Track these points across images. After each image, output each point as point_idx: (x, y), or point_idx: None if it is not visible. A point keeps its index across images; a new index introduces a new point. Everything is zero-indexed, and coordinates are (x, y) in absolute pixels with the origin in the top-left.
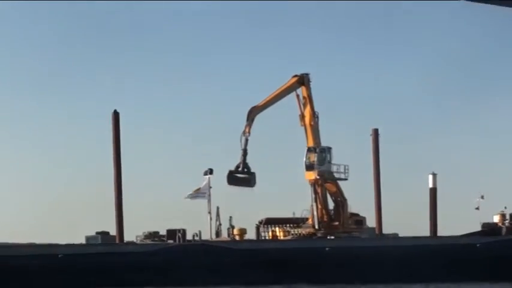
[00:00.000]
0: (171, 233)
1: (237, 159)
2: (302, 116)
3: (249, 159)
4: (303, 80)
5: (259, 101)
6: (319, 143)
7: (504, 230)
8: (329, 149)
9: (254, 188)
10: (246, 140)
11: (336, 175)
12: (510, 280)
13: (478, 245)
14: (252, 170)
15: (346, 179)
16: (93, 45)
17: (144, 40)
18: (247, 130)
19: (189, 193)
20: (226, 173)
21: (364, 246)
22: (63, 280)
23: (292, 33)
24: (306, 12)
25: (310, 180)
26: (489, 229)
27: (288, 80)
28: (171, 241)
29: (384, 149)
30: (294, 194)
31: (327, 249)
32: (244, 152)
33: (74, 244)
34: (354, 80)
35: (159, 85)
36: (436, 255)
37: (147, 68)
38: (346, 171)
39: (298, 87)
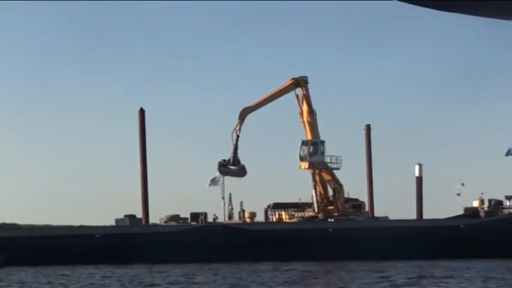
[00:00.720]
0: (195, 216)
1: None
2: (301, 113)
3: (267, 151)
4: (299, 82)
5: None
6: (318, 136)
7: (483, 213)
8: (322, 142)
9: (245, 177)
10: (237, 137)
11: (329, 165)
12: (491, 257)
13: (462, 226)
14: (242, 163)
15: (338, 169)
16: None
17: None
18: (238, 128)
19: (207, 182)
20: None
21: (362, 227)
22: (100, 257)
23: (290, 34)
24: (304, 13)
25: (307, 170)
26: (471, 212)
27: (284, 82)
28: (194, 223)
29: (376, 141)
30: (300, 182)
31: (330, 230)
32: (235, 148)
33: (109, 226)
34: (350, 80)
35: (176, 85)
36: (425, 236)
37: (165, 69)
38: (339, 161)
39: (295, 89)
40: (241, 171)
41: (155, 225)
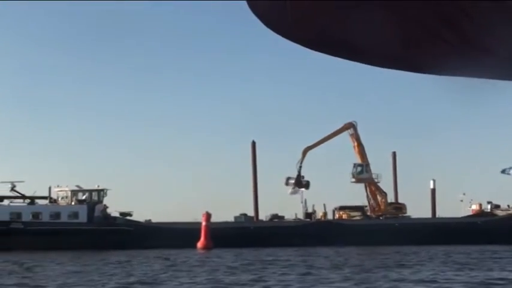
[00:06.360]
0: (308, 215)
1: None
2: (354, 146)
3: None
4: (351, 126)
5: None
6: (366, 161)
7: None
8: (367, 164)
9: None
10: (300, 167)
11: (372, 180)
12: (500, 243)
13: (479, 223)
14: (307, 179)
15: (378, 182)
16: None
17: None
18: (300, 161)
19: (290, 191)
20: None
21: (412, 223)
22: (254, 240)
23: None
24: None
25: (355, 183)
26: (478, 213)
27: (338, 126)
28: (308, 219)
29: (401, 160)
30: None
31: (396, 224)
32: (299, 173)
33: (257, 221)
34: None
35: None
36: (450, 229)
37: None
38: (379, 177)
39: (349, 129)
40: (306, 186)
41: (265, 221)
